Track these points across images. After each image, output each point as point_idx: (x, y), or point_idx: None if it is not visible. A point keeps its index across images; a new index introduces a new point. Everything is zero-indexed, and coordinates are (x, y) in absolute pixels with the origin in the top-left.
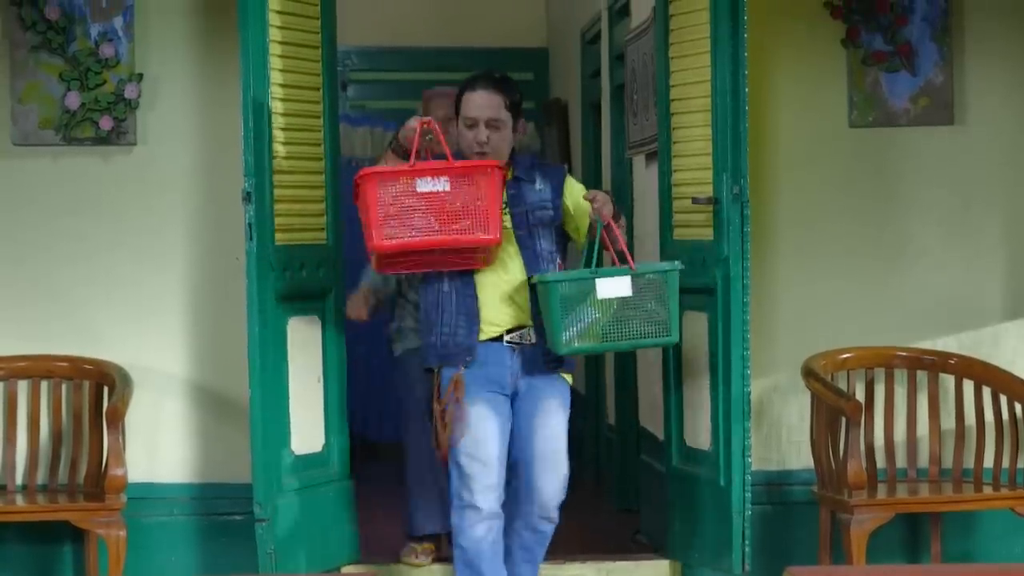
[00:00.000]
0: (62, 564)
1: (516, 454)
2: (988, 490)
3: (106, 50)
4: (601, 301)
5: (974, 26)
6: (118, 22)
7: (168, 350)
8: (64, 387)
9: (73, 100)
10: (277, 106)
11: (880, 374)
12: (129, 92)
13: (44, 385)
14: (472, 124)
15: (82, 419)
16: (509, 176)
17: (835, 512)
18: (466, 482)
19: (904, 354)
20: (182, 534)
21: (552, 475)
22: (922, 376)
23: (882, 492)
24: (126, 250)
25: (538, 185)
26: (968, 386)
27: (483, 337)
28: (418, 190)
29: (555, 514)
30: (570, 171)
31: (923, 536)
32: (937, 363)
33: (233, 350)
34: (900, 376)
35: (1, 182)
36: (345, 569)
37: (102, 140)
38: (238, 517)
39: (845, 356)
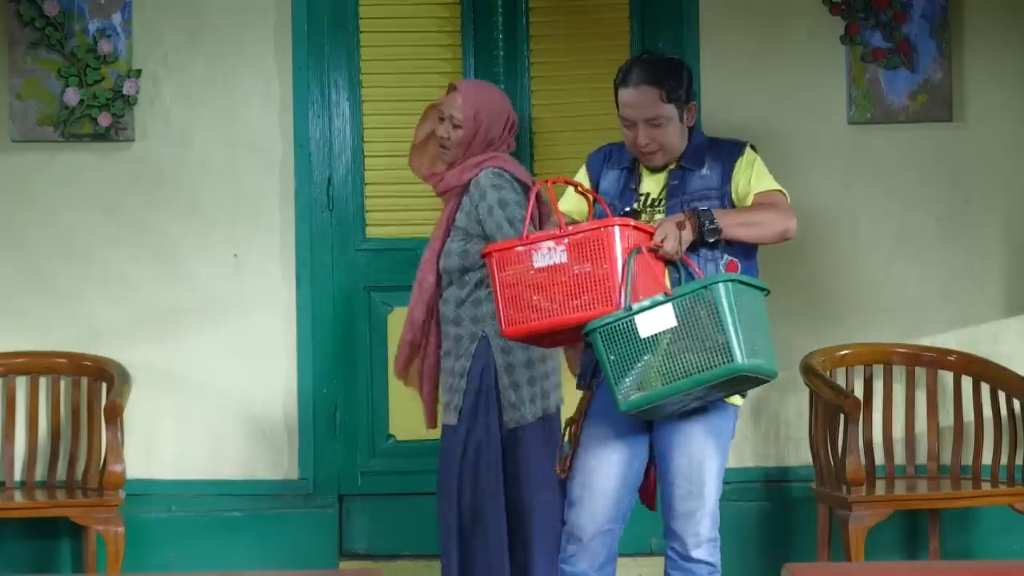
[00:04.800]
0: (60, 560)
1: (660, 487)
2: (986, 487)
3: (104, 46)
4: (646, 340)
5: (973, 23)
6: (116, 18)
7: (166, 346)
8: (63, 383)
9: (72, 96)
10: None
11: (879, 370)
12: (127, 88)
13: (43, 381)
14: (629, 124)
15: (80, 415)
16: (673, 166)
17: (833, 509)
18: (570, 508)
19: (903, 350)
20: (180, 530)
21: (683, 507)
22: (921, 373)
23: (880, 489)
24: (124, 246)
25: (704, 170)
26: (967, 383)
27: None
28: (535, 266)
29: (698, 552)
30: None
31: (921, 533)
32: (936, 360)
33: (231, 346)
34: (899, 373)
35: (0, 178)
36: (345, 566)
37: (100, 136)
38: (236, 513)
39: (844, 352)
